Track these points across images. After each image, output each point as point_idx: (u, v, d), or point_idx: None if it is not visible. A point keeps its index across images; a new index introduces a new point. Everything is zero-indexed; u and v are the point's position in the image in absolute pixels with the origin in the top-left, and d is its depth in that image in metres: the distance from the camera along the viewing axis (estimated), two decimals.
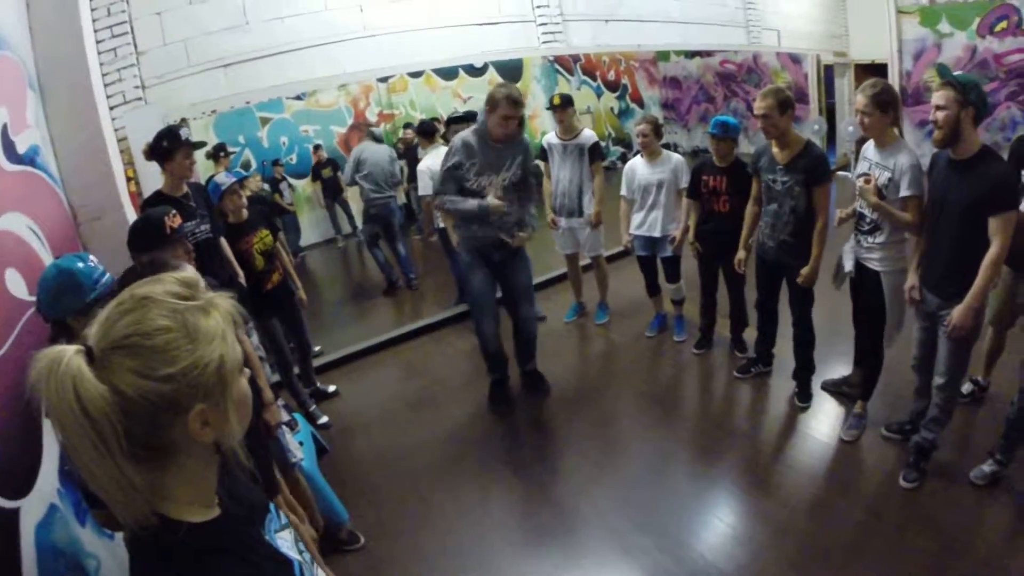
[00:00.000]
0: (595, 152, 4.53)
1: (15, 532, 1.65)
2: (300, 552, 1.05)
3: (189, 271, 0.99)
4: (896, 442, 3.11)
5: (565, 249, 4.90)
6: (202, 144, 3.45)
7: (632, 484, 3.13)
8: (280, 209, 7.88)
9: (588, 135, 4.55)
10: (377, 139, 6.47)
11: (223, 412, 0.84)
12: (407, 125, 8.22)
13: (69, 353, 0.74)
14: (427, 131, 5.20)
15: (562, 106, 4.45)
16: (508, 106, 3.31)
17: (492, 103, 3.35)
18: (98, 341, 0.78)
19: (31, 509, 1.76)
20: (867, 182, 2.82)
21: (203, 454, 0.87)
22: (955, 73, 2.58)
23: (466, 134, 3.48)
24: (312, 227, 8.45)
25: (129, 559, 0.87)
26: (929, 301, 2.73)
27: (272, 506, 1.06)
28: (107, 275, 1.97)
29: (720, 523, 2.79)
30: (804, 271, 3.25)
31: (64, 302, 1.86)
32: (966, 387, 3.33)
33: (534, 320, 3.95)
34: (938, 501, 2.72)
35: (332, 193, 8.29)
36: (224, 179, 3.51)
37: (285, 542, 1.02)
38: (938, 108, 2.46)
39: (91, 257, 2.00)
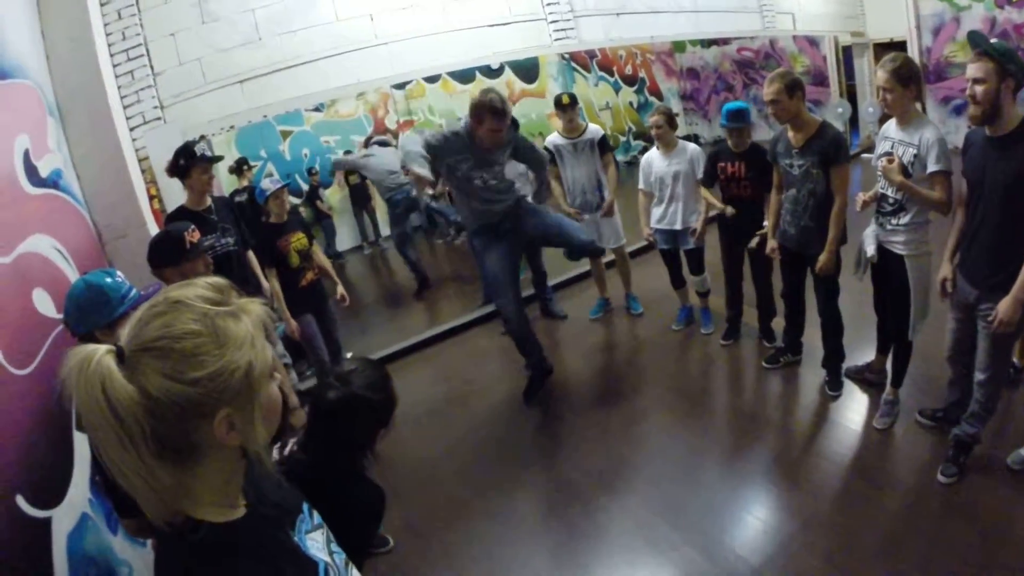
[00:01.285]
0: (604, 144, 4.55)
1: (47, 540, 1.70)
2: (331, 553, 1.05)
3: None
4: (930, 428, 3.03)
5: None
6: (219, 158, 3.53)
7: (661, 480, 3.09)
8: (321, 213, 8.05)
9: (594, 129, 4.56)
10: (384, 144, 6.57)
11: (250, 417, 0.85)
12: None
13: (100, 352, 0.76)
14: None
15: (572, 104, 4.45)
16: (493, 119, 3.25)
17: (478, 116, 3.26)
18: (129, 342, 0.79)
19: (63, 518, 1.82)
20: (890, 161, 2.70)
21: (229, 457, 0.87)
22: (992, 42, 2.32)
23: (459, 131, 3.37)
24: (339, 235, 8.54)
25: (154, 557, 0.89)
26: (967, 292, 2.56)
27: (306, 506, 1.07)
28: (134, 290, 2.02)
29: (751, 517, 2.74)
30: (821, 258, 3.17)
31: (93, 317, 1.90)
32: None
33: (594, 244, 3.91)
34: (975, 488, 2.63)
35: (360, 200, 8.39)
36: (270, 184, 3.67)
37: (316, 543, 1.02)
38: (976, 82, 2.24)
39: (118, 272, 2.04)
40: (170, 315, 0.80)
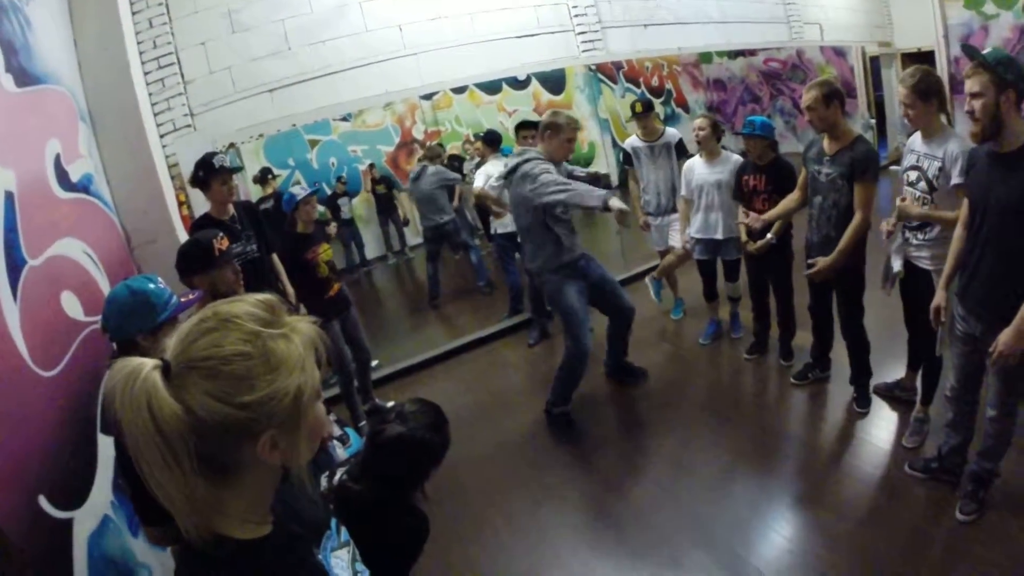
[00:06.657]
0: (681, 148, 4.60)
1: (68, 541, 1.71)
2: (356, 572, 1.04)
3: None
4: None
5: (659, 246, 4.94)
6: (238, 169, 3.57)
7: (688, 498, 3.04)
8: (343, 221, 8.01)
9: (672, 133, 4.63)
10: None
11: (294, 438, 0.84)
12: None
13: (147, 367, 0.74)
14: (493, 140, 5.34)
15: (644, 112, 4.54)
16: (572, 129, 3.49)
17: (555, 128, 3.47)
18: (176, 357, 0.78)
19: (85, 520, 1.82)
20: (902, 200, 2.72)
21: (267, 474, 0.86)
22: (985, 52, 2.13)
23: (542, 164, 3.43)
24: (366, 244, 8.55)
25: (175, 568, 0.88)
26: (971, 325, 2.38)
27: (333, 523, 1.05)
28: (175, 296, 2.01)
29: (778, 536, 2.68)
30: (821, 260, 3.15)
31: (135, 322, 1.88)
32: None
33: (633, 310, 3.92)
34: (1006, 509, 2.54)
35: (386, 210, 8.39)
36: (299, 191, 3.73)
37: (340, 561, 1.01)
38: (973, 96, 2.09)
39: (159, 279, 2.04)
40: (219, 333, 0.78)
